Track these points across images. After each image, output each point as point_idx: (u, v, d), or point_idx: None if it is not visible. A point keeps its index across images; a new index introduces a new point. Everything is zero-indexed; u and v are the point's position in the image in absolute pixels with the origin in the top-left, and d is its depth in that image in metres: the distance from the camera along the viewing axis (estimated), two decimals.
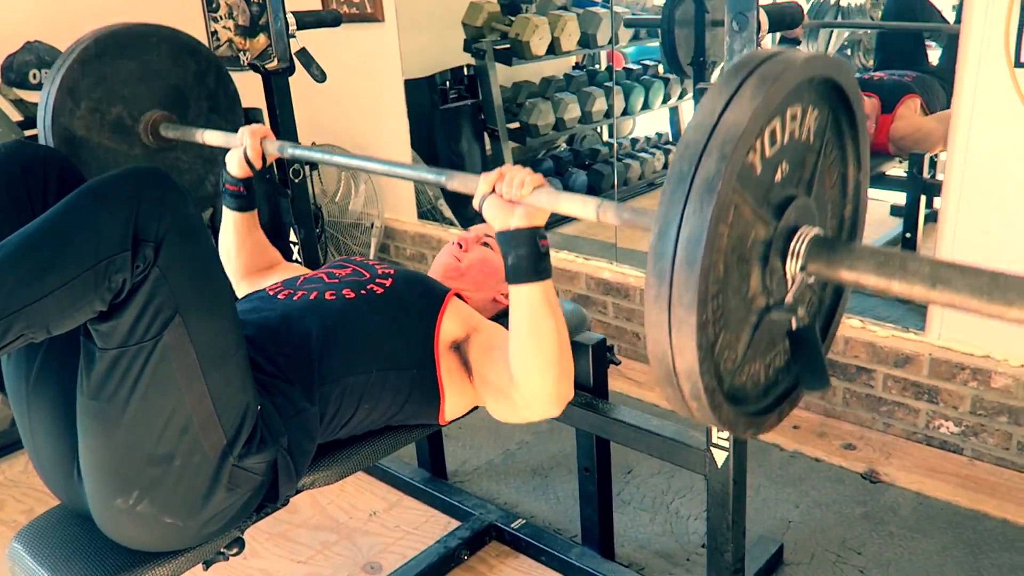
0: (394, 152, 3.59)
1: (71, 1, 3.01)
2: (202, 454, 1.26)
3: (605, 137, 4.70)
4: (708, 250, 0.89)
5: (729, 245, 0.97)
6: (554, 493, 2.29)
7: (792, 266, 1.04)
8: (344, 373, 1.45)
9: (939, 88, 3.16)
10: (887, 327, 2.38)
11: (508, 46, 3.81)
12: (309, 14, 2.23)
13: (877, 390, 2.39)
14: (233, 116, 2.16)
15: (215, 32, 3.54)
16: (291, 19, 2.17)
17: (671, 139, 4.72)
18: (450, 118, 3.83)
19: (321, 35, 2.39)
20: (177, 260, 1.17)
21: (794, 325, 1.09)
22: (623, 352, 2.98)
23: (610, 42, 4.13)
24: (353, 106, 3.66)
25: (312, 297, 1.53)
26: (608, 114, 4.26)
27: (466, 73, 3.85)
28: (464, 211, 3.71)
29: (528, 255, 1.25)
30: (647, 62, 4.67)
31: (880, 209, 3.80)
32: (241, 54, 3.62)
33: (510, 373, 1.35)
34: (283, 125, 2.29)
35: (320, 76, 2.22)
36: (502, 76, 3.95)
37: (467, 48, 3.84)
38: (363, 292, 1.54)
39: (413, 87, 3.56)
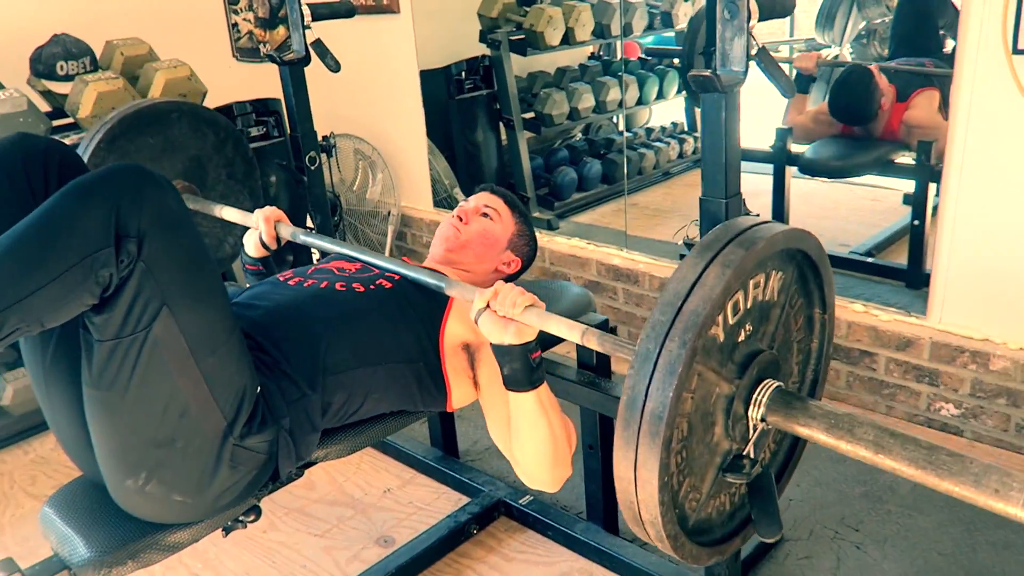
0: (410, 141, 3.67)
1: None
2: (202, 436, 1.31)
3: (621, 126, 4.74)
4: (669, 424, 1.02)
5: (693, 406, 1.11)
6: None
7: (754, 414, 1.17)
8: (352, 365, 1.49)
9: None
10: (889, 311, 2.42)
11: (523, 36, 3.86)
12: (324, 6, 2.30)
13: (879, 373, 2.43)
14: (250, 181, 2.28)
15: (235, 24, 3.63)
16: (306, 11, 2.23)
17: (686, 128, 4.75)
18: (465, 108, 3.89)
19: (338, 26, 2.46)
20: (161, 253, 1.21)
21: (754, 474, 1.20)
22: (632, 337, 3.04)
23: (623, 32, 4.17)
24: (370, 96, 3.73)
25: (322, 286, 1.58)
26: (621, 104, 4.30)
27: (481, 64, 3.90)
28: None
29: (521, 368, 1.34)
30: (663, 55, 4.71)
31: (893, 198, 3.83)
32: (261, 45, 3.71)
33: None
34: (299, 114, 2.36)
35: (335, 66, 2.29)
36: (517, 66, 4.00)
37: (482, 39, 3.90)
38: (372, 287, 1.59)
39: (429, 77, 3.63)
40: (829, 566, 1.93)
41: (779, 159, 3.29)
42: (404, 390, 1.55)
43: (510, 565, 2.04)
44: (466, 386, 1.58)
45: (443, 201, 3.78)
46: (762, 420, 1.16)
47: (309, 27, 2.27)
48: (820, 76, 3.67)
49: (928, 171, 2.94)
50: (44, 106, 2.77)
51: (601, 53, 4.75)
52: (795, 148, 3.31)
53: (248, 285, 1.79)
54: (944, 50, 3.42)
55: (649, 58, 4.72)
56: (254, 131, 3.20)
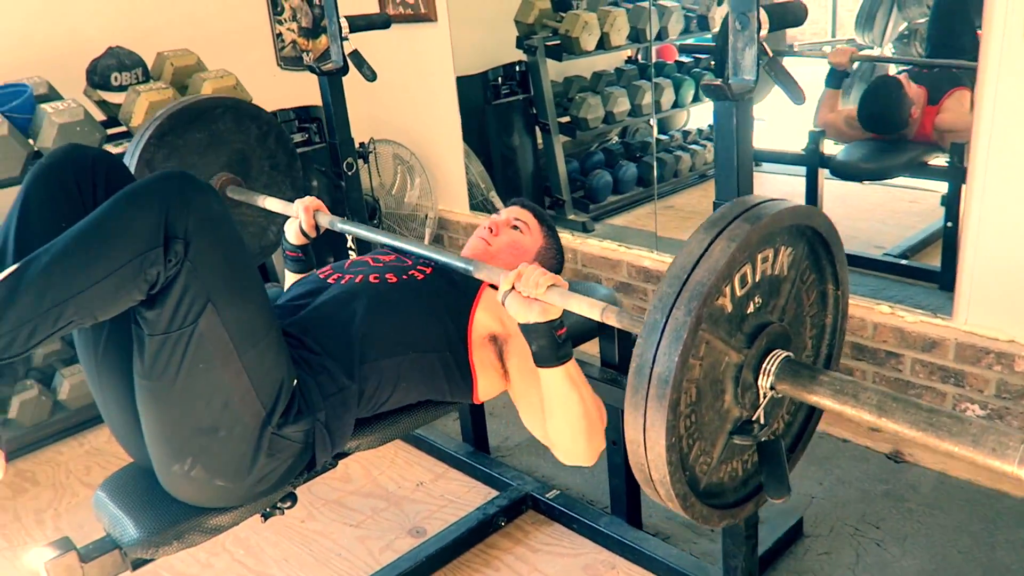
0: (446, 146, 3.76)
1: (148, 9, 3.26)
2: (243, 424, 1.41)
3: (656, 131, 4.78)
4: (675, 387, 1.07)
5: (701, 373, 1.16)
6: (589, 468, 2.41)
7: (764, 383, 1.21)
8: (383, 354, 1.58)
9: None
10: (915, 313, 2.43)
11: (558, 42, 3.93)
12: (361, 18, 2.39)
13: (905, 374, 2.45)
14: (292, 172, 2.38)
15: (280, 34, 3.76)
16: (344, 23, 2.33)
17: None
18: (502, 113, 3.97)
19: (377, 35, 2.55)
20: (206, 254, 1.32)
21: (762, 437, 1.24)
22: None
23: (658, 37, 4.21)
24: (408, 102, 3.83)
25: (358, 280, 1.67)
26: (656, 109, 4.34)
27: (517, 69, 3.97)
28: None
29: (548, 344, 1.41)
30: (699, 56, 4.74)
31: (931, 199, 3.80)
32: (304, 54, 3.84)
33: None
34: (337, 122, 2.46)
35: (371, 76, 2.39)
36: (554, 71, 4.07)
37: (519, 44, 3.97)
38: (404, 277, 1.68)
39: (466, 83, 3.71)
40: (848, 562, 1.97)
41: (812, 162, 3.31)
42: (431, 379, 1.63)
43: (536, 556, 2.11)
44: (492, 378, 1.65)
45: (479, 204, 3.86)
46: (771, 388, 1.21)
47: (347, 38, 2.37)
48: (861, 76, 3.67)
49: (961, 173, 2.93)
50: (99, 115, 2.90)
51: (638, 57, 4.79)
52: (828, 150, 3.32)
53: (288, 271, 1.91)
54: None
55: (686, 60, 4.75)
56: (297, 137, 3.32)
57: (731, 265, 1.09)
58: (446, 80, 3.62)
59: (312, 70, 2.44)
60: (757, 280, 1.20)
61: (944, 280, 2.99)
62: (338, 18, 2.33)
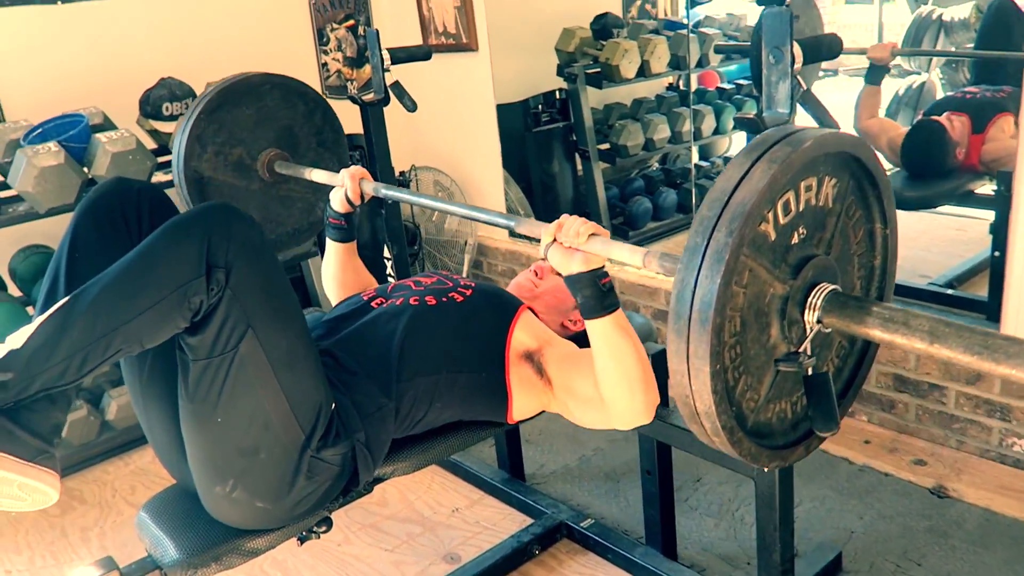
0: (486, 173, 3.80)
1: (199, 41, 3.36)
2: (283, 447, 1.45)
3: (696, 157, 4.77)
4: (719, 311, 1.03)
5: (745, 302, 1.11)
6: (624, 497, 2.41)
7: (810, 317, 1.16)
8: (419, 372, 1.61)
9: None
10: None
11: (599, 70, 3.96)
12: (402, 50, 2.45)
13: (949, 407, 2.40)
14: (339, 148, 2.41)
15: (325, 64, 3.85)
16: (386, 55, 2.39)
17: None
18: (542, 140, 4.00)
19: (419, 65, 2.61)
20: (246, 281, 1.37)
21: (809, 371, 1.19)
22: None
23: (699, 64, 4.22)
24: (448, 130, 3.88)
25: (398, 303, 1.71)
26: (696, 136, 4.34)
27: (558, 97, 4.01)
28: None
29: (593, 295, 1.40)
30: (741, 81, 4.73)
31: (979, 227, 3.73)
32: (348, 83, 3.92)
33: (597, 388, 1.49)
34: (378, 150, 2.51)
35: (411, 106, 2.44)
36: (594, 98, 4.10)
37: (559, 72, 4.01)
38: (444, 300, 1.71)
39: (506, 111, 3.75)
40: None
41: None
42: (467, 398, 1.66)
43: None
44: (529, 395, 1.66)
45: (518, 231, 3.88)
46: (818, 322, 1.16)
47: (388, 70, 2.43)
48: (907, 102, 3.64)
49: (1009, 200, 2.89)
50: (150, 143, 3.00)
51: (680, 84, 4.81)
52: None
53: (329, 239, 1.95)
54: None
55: (727, 87, 4.75)
56: None
57: (773, 187, 1.04)
58: (486, 108, 3.66)
59: (353, 100, 2.49)
60: (801, 209, 1.15)
61: (991, 310, 2.93)
62: (380, 50, 2.39)
